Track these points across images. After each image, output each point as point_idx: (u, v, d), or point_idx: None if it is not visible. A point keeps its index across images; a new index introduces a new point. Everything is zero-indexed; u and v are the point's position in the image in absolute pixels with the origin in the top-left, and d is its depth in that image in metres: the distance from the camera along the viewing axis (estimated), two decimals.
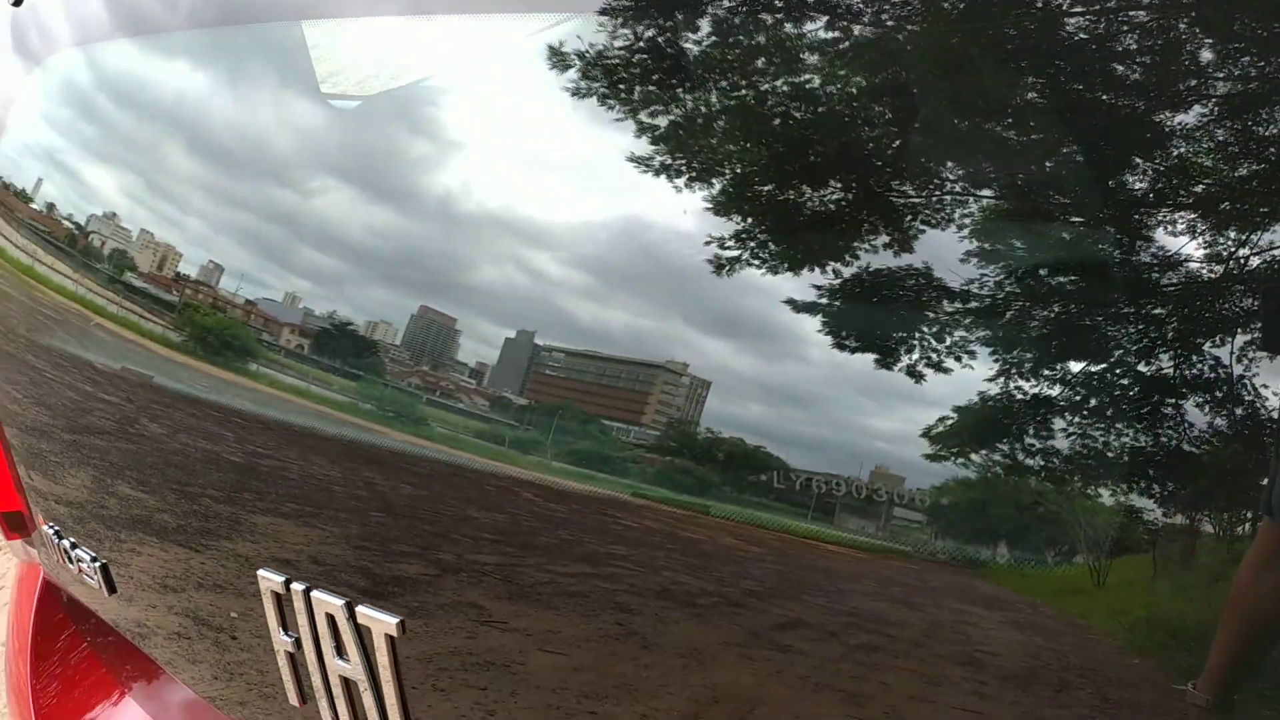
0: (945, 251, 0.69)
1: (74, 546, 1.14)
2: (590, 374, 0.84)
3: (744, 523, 0.78)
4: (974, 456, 0.69)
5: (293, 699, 0.93)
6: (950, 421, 0.69)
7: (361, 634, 0.83)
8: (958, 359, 0.69)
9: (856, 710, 0.75)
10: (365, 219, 0.92)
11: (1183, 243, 0.63)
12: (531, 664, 0.87)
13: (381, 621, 0.81)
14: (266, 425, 0.93)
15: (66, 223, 1.11)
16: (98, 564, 1.11)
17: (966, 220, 0.69)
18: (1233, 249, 0.62)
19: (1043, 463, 0.66)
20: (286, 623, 0.90)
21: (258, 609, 0.94)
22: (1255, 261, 0.61)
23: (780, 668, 0.78)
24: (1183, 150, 0.64)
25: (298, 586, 0.86)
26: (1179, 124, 0.64)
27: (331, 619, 0.85)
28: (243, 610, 0.98)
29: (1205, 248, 0.62)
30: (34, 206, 1.15)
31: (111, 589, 1.11)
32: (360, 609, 0.82)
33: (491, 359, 0.87)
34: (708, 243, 0.74)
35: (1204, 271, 0.63)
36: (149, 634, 1.14)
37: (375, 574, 0.85)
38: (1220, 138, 0.63)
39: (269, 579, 0.88)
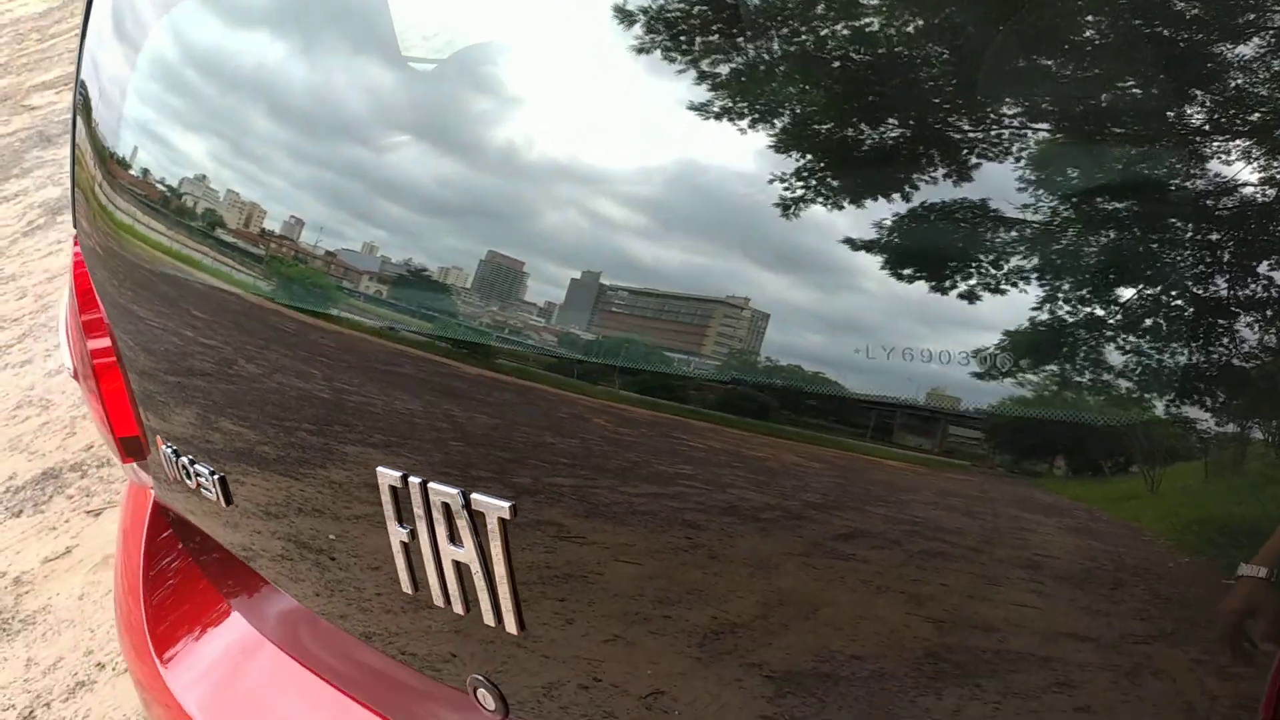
0: (997, 181, 0.75)
1: (192, 463, 1.24)
2: (653, 310, 0.92)
3: (804, 442, 0.85)
4: (1029, 376, 0.75)
5: (405, 588, 1.02)
6: (1004, 343, 0.76)
7: (474, 519, 0.92)
8: (1012, 284, 0.75)
9: (917, 609, 0.82)
10: (437, 172, 1.00)
11: (1238, 169, 0.69)
12: (610, 574, 0.95)
13: (495, 505, 0.90)
14: (363, 355, 1.02)
15: (162, 185, 1.21)
16: (216, 477, 1.20)
17: (1018, 151, 0.76)
18: None
19: (1094, 378, 0.72)
20: (402, 516, 0.99)
21: (355, 530, 1.04)
22: None
23: (842, 574, 0.85)
24: (1239, 80, 0.70)
25: (415, 480, 0.95)
26: (1236, 54, 0.70)
27: (447, 507, 0.93)
28: (347, 523, 1.07)
29: (1260, 172, 0.68)
30: (133, 172, 1.24)
31: (229, 500, 1.21)
32: (474, 495, 0.91)
33: (559, 298, 0.94)
34: (769, 181, 0.81)
35: (1258, 195, 0.68)
36: (256, 551, 1.24)
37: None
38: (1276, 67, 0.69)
39: (387, 474, 0.97)
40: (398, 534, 1.00)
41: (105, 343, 1.34)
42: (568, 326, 0.91)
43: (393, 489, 0.98)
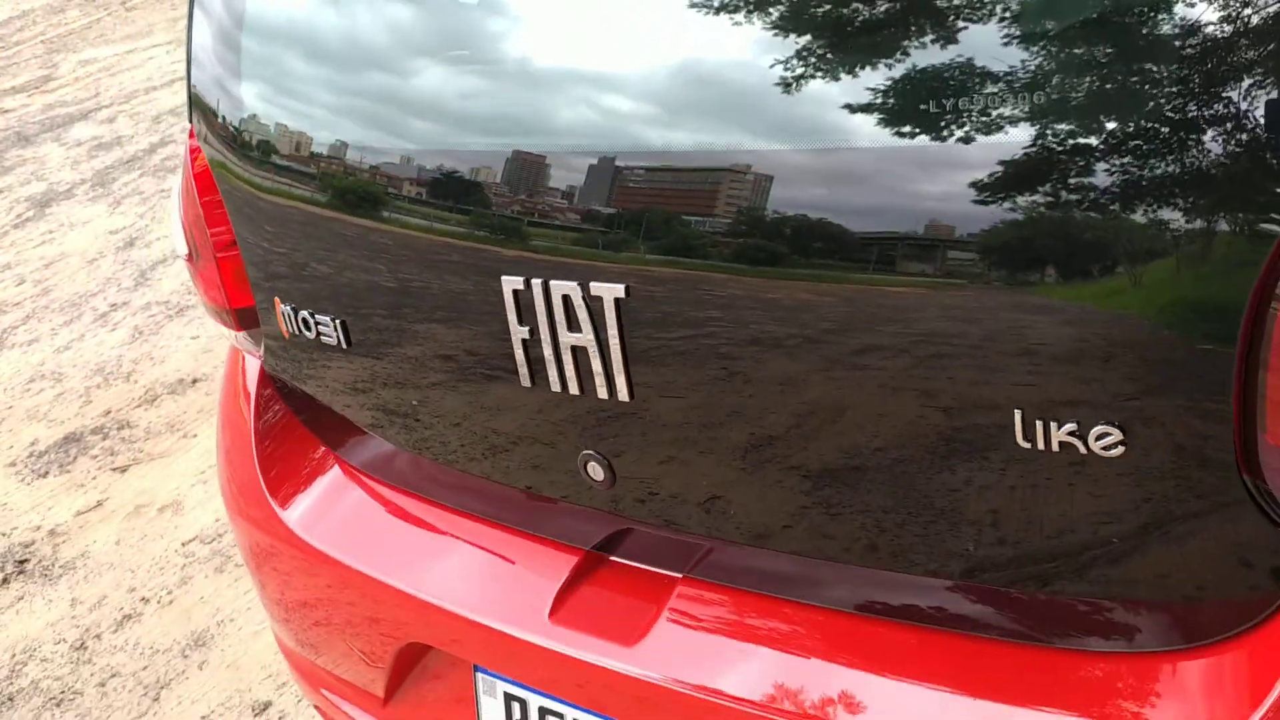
0: (982, 40, 0.92)
1: (312, 315, 1.43)
2: (668, 182, 1.12)
3: (815, 280, 1.03)
4: (1020, 200, 0.93)
5: (524, 382, 1.22)
6: (996, 175, 0.93)
7: (590, 305, 1.12)
8: (1000, 129, 0.92)
9: (930, 401, 1.01)
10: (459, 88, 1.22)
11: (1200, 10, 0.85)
12: (655, 408, 1.15)
13: (610, 288, 1.11)
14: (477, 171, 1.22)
15: (249, 127, 1.41)
16: (338, 321, 1.40)
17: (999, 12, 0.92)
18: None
19: (1080, 196, 0.87)
20: (522, 316, 1.19)
21: (471, 342, 1.23)
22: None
23: (861, 382, 1.04)
24: None
25: (536, 280, 1.16)
26: None
27: (567, 299, 1.14)
28: (463, 335, 1.28)
29: (1220, 11, 0.84)
30: (247, 99, 1.45)
31: (349, 342, 1.40)
32: (591, 284, 1.12)
33: (578, 182, 1.15)
34: (767, 66, 0.99)
35: (1217, 32, 0.85)
36: (368, 388, 1.43)
37: None
38: None
39: (511, 280, 1.17)
40: (518, 332, 1.20)
41: (223, 230, 1.53)
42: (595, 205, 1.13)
43: (515, 292, 1.18)
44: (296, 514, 1.56)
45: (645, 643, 1.22)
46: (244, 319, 1.59)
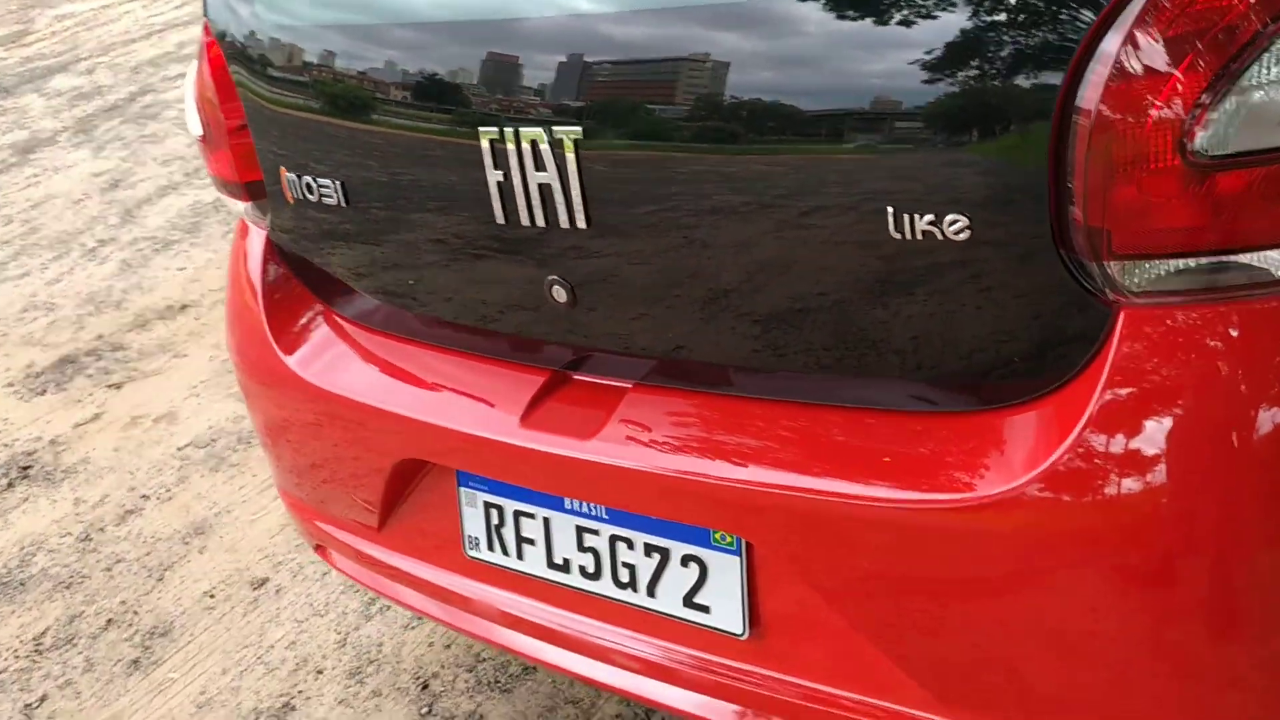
0: None
1: (316, 179, 1.67)
2: (633, 74, 1.36)
3: (770, 152, 1.27)
4: (959, 74, 1.16)
5: (499, 219, 1.46)
6: (936, 52, 1.15)
7: (553, 145, 1.36)
8: (942, 10, 1.15)
9: (871, 251, 1.25)
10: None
11: None
12: (624, 274, 1.40)
13: (569, 130, 1.35)
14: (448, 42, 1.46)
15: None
16: (338, 182, 1.63)
17: None
18: None
19: (1007, 67, 1.09)
20: (497, 162, 1.43)
21: (452, 187, 1.47)
22: None
23: (806, 239, 1.29)
24: None
25: (509, 129, 1.39)
26: None
27: (534, 143, 1.38)
28: (446, 183, 1.51)
29: None
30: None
31: (349, 200, 1.64)
32: (554, 126, 1.36)
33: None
34: None
35: None
36: (366, 241, 1.67)
37: None
38: None
39: (487, 131, 1.41)
40: (494, 176, 1.44)
41: (237, 110, 1.76)
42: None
43: (491, 142, 1.42)
44: (298, 358, 1.80)
45: (600, 435, 1.47)
46: (252, 191, 1.82)
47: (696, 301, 1.37)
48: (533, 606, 1.69)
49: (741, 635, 1.47)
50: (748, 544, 1.43)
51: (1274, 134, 1.06)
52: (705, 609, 1.50)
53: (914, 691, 1.35)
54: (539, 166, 1.39)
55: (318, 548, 2.10)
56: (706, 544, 1.47)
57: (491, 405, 1.59)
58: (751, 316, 1.34)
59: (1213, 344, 1.13)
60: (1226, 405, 1.13)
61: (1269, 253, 1.10)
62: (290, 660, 2.57)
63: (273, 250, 1.86)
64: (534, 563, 1.65)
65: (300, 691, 2.48)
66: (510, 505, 1.65)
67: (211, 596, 2.82)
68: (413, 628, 2.60)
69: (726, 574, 1.46)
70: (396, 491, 1.77)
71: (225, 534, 3.04)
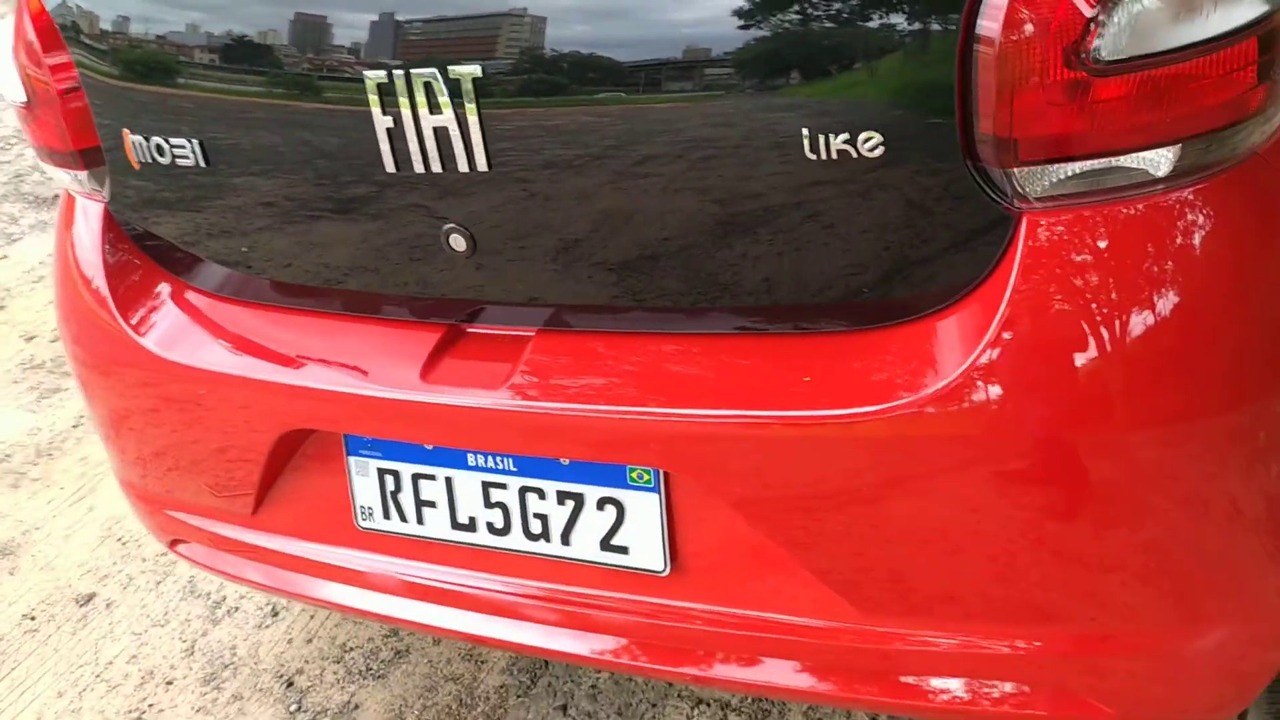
0: None
1: (166, 139, 1.56)
2: (455, 31, 1.35)
3: (595, 104, 1.29)
4: (770, 21, 1.22)
5: (389, 168, 1.41)
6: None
7: (449, 86, 1.33)
8: None
9: (705, 196, 1.29)
10: None
11: None
12: (527, 216, 1.38)
13: (467, 70, 1.31)
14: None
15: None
16: (194, 140, 1.54)
17: None
18: None
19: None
20: (385, 106, 1.38)
21: (334, 136, 1.41)
22: None
23: (645, 188, 1.32)
24: None
25: (398, 72, 1.35)
26: None
27: (429, 84, 1.34)
28: (325, 133, 1.45)
29: None
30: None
31: (208, 161, 1.54)
32: (451, 68, 1.32)
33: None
34: None
35: None
36: (229, 206, 1.57)
37: None
38: None
39: (374, 75, 1.36)
40: (382, 122, 1.39)
41: (66, 69, 1.63)
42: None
43: (379, 85, 1.37)
44: (155, 337, 1.68)
45: (508, 383, 1.45)
46: (88, 159, 1.68)
47: (607, 239, 1.37)
48: (436, 572, 1.64)
49: (662, 572, 1.48)
50: (666, 479, 1.44)
51: (1152, 40, 1.15)
52: (623, 550, 1.50)
53: (836, 605, 1.40)
54: (434, 109, 1.35)
55: (172, 543, 1.98)
56: (623, 483, 1.47)
57: (386, 364, 1.54)
58: (668, 250, 1.35)
59: (1101, 243, 1.22)
60: (1111, 299, 1.21)
61: (1146, 153, 1.20)
62: (134, 675, 2.40)
63: (112, 224, 1.73)
64: (436, 526, 1.60)
65: (151, 705, 2.33)
66: (407, 469, 1.60)
67: (32, 619, 2.60)
68: (267, 626, 2.48)
69: (645, 512, 1.46)
70: (275, 469, 1.69)
71: (37, 553, 2.80)
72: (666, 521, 1.46)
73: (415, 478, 1.60)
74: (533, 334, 1.49)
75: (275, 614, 2.51)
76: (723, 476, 1.37)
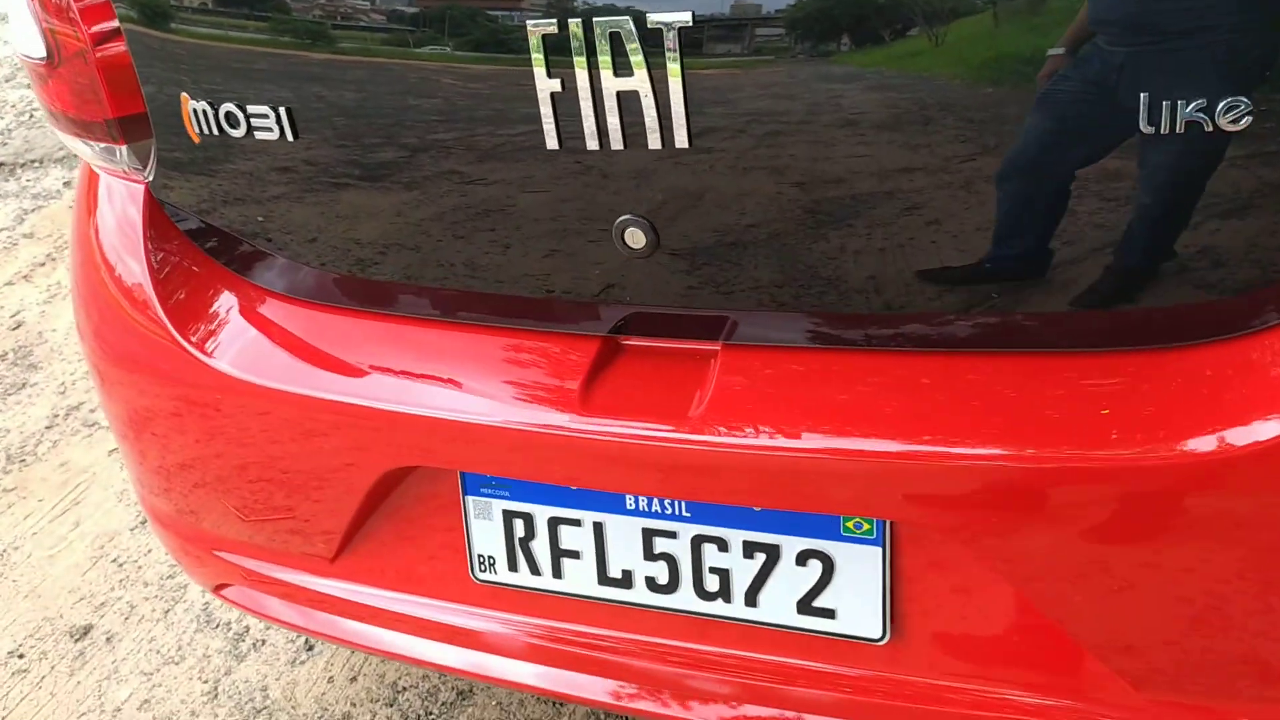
0: None
1: (241, 107, 1.23)
2: None
3: (860, 61, 1.01)
4: None
5: (550, 144, 1.11)
6: None
7: (644, 40, 1.02)
8: None
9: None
10: None
11: None
12: (733, 202, 1.10)
13: (673, 17, 1.01)
14: None
15: None
16: (280, 109, 1.21)
17: None
18: None
19: None
20: (552, 67, 1.07)
21: (478, 103, 1.11)
22: None
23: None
24: None
25: (575, 20, 1.04)
26: None
27: (615, 36, 1.03)
28: (464, 98, 1.14)
29: None
30: None
31: (296, 134, 1.22)
32: (650, 15, 1.02)
33: None
34: None
35: None
36: (324, 188, 1.25)
37: None
38: None
39: (541, 25, 1.05)
40: (547, 86, 1.08)
41: (100, 14, 1.29)
42: None
43: (546, 39, 1.06)
44: (223, 353, 1.36)
45: (696, 412, 1.16)
46: (128, 131, 1.35)
47: (840, 231, 1.08)
48: (575, 634, 1.35)
49: (879, 640, 1.21)
50: (892, 530, 1.17)
51: None
52: (828, 613, 1.22)
53: (1108, 683, 1.14)
54: (621, 70, 1.05)
55: (217, 588, 1.66)
56: (834, 534, 1.19)
57: (527, 387, 1.24)
58: (921, 243, 1.06)
59: None
60: None
61: None
62: None
63: (157, 211, 1.40)
64: (578, 580, 1.32)
65: None
66: (543, 512, 1.31)
67: (20, 657, 2.26)
68: (301, 663, 2.17)
69: (861, 568, 1.19)
70: (368, 510, 1.38)
71: (19, 577, 2.46)
72: (889, 580, 1.19)
73: (554, 522, 1.31)
74: (717, 349, 1.20)
75: (310, 648, 2.20)
76: (984, 533, 1.10)
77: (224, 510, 1.49)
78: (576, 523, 1.29)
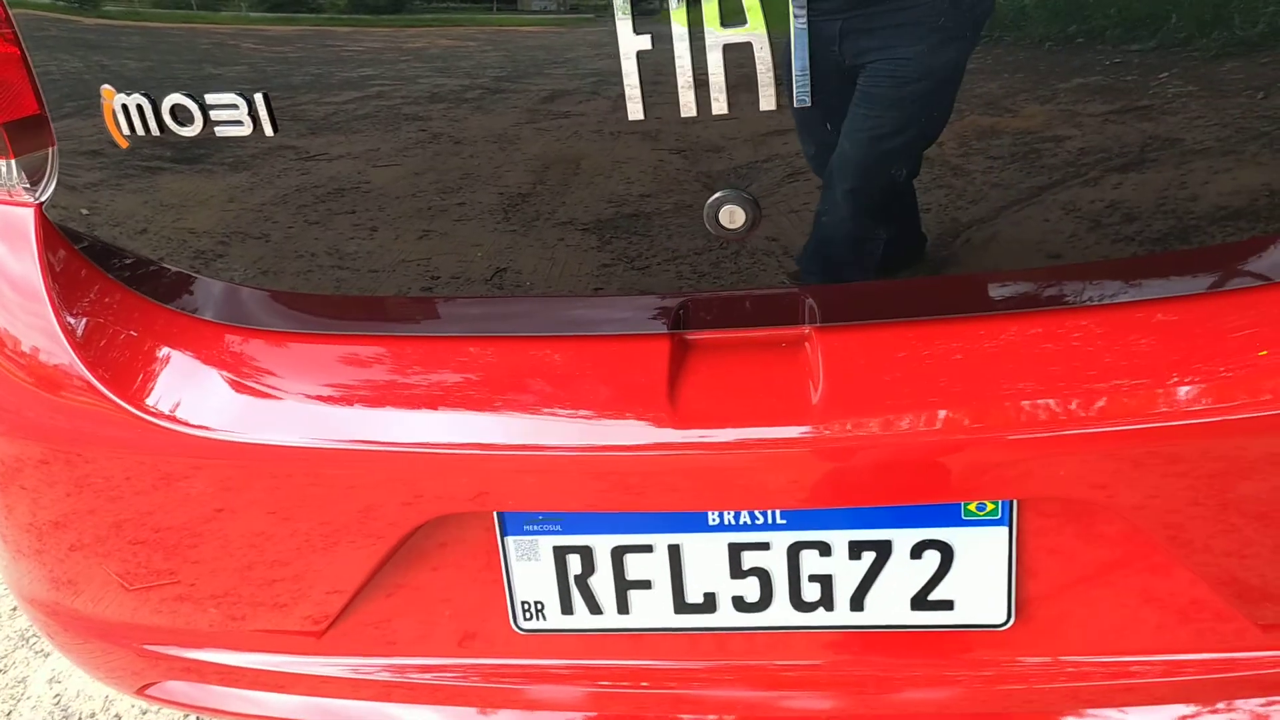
0: None
1: (195, 97, 0.98)
2: None
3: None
4: None
5: (635, 114, 0.93)
6: None
7: None
8: None
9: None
10: None
11: None
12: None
13: None
14: None
15: None
16: (254, 96, 0.97)
17: None
18: None
19: None
20: (639, 19, 0.90)
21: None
22: None
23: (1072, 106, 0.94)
24: None
25: None
26: None
27: None
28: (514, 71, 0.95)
29: None
30: None
31: (275, 127, 0.98)
32: None
33: None
34: None
35: None
36: (273, 238, 1.02)
37: None
38: None
39: None
40: (632, 44, 0.90)
41: None
42: None
43: None
44: (196, 414, 1.09)
45: (822, 403, 1.02)
46: (18, 138, 1.05)
47: (972, 178, 0.97)
48: (647, 672, 1.19)
49: (1003, 624, 1.13)
50: (1018, 506, 1.08)
51: None
52: (946, 605, 1.12)
53: (1246, 632, 1.11)
54: (732, 19, 0.89)
55: (144, 687, 1.37)
56: (954, 520, 1.09)
57: (597, 404, 1.06)
58: (1064, 192, 0.97)
59: None
60: None
61: None
62: None
63: (57, 240, 1.10)
64: (649, 613, 1.15)
65: None
66: (605, 543, 1.13)
67: None
68: None
69: (983, 552, 1.10)
70: (378, 569, 1.16)
71: None
72: (1015, 560, 1.10)
73: (618, 553, 1.13)
74: (807, 332, 1.07)
75: None
76: (1130, 496, 1.03)
77: (179, 596, 1.21)
78: (647, 549, 1.13)
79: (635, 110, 0.93)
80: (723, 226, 0.99)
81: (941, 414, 1.02)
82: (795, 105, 0.92)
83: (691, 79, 0.91)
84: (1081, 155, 0.94)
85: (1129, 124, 0.92)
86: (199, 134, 0.99)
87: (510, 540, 1.14)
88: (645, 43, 0.90)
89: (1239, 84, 0.90)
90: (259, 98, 0.97)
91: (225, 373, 1.09)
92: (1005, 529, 1.08)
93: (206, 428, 1.07)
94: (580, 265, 1.03)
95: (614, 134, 0.96)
